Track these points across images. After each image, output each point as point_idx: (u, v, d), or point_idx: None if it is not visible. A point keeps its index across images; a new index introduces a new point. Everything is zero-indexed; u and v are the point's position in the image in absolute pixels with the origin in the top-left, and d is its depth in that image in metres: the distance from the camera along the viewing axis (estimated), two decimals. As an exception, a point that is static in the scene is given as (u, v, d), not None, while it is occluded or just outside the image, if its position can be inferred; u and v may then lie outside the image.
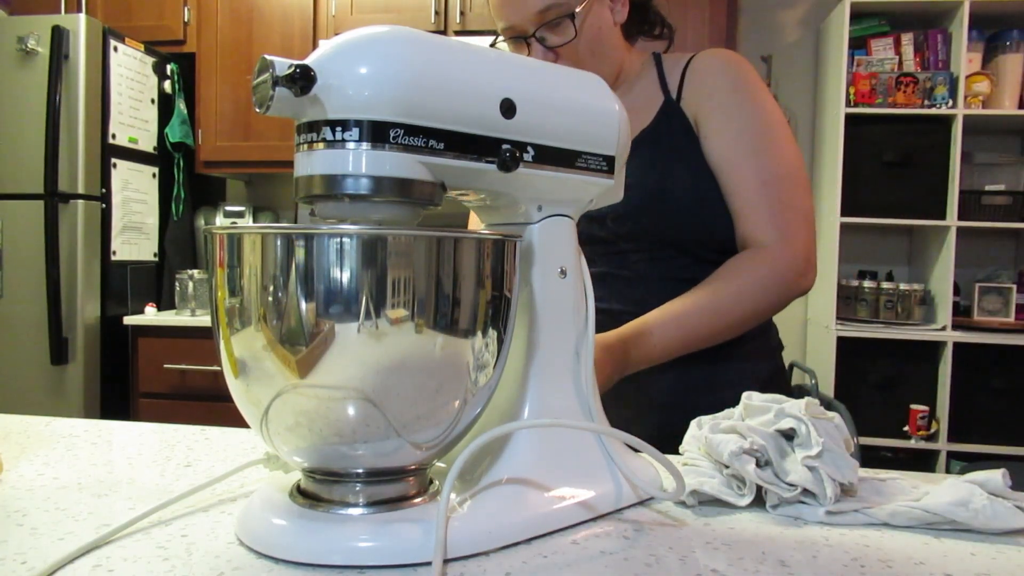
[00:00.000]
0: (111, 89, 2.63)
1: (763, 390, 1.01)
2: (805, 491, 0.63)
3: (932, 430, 2.67)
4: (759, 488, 0.64)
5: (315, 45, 2.86)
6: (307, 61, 0.51)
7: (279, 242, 0.49)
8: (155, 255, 2.91)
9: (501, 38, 1.05)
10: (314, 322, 0.48)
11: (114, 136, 2.66)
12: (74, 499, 0.64)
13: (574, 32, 0.99)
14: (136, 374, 2.72)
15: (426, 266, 0.50)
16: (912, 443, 2.68)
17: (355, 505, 0.55)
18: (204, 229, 0.54)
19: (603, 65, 1.05)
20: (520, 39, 1.01)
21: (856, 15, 2.72)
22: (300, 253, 0.48)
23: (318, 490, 0.56)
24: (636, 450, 0.62)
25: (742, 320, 0.96)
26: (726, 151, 1.01)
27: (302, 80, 0.50)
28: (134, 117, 2.77)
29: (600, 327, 1.01)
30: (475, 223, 1.17)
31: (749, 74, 1.05)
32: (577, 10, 0.99)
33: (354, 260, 0.48)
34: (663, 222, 1.02)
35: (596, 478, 0.63)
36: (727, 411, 0.74)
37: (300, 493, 0.57)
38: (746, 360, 1.05)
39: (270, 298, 0.49)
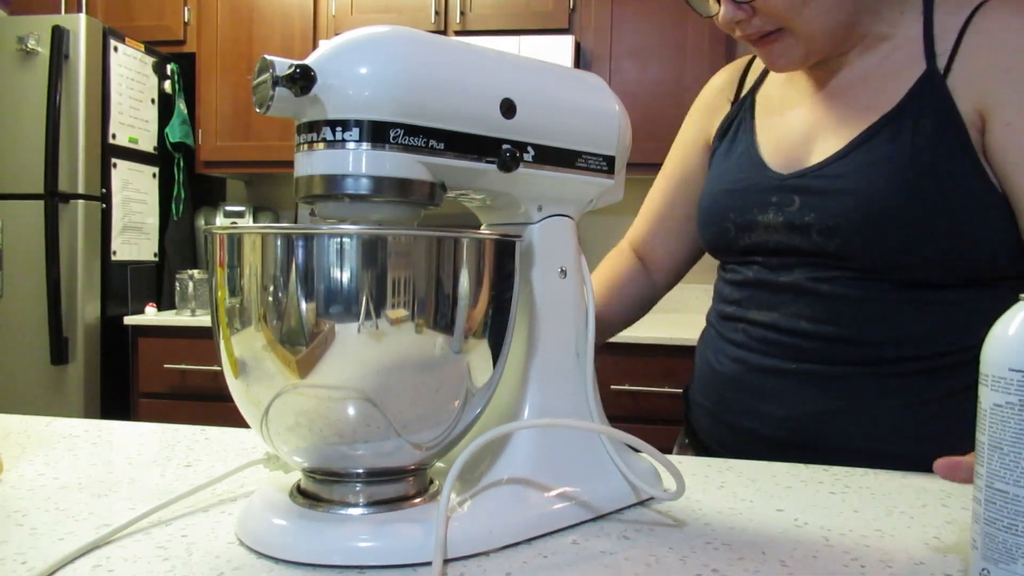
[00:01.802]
0: (111, 89, 2.63)
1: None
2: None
3: (932, 430, 2.67)
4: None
5: (315, 45, 2.87)
6: (307, 61, 0.51)
7: (279, 242, 0.49)
8: (155, 255, 2.91)
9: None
10: (314, 322, 0.48)
11: (114, 136, 2.66)
12: (74, 499, 0.64)
13: None
14: (136, 374, 2.72)
15: (426, 266, 0.50)
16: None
17: (355, 505, 0.55)
18: (204, 229, 0.54)
19: (822, 19, 0.79)
20: None
21: (856, 15, 2.72)
22: (300, 253, 0.48)
23: (318, 490, 0.56)
24: (636, 450, 0.62)
25: None
26: None
27: (302, 80, 0.50)
28: (134, 117, 2.77)
29: (779, 346, 0.82)
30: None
31: None
32: None
33: (354, 260, 0.48)
34: (884, 245, 0.78)
35: (596, 478, 0.63)
36: None
37: (300, 493, 0.57)
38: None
39: (270, 298, 0.49)
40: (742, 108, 0.98)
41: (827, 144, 0.84)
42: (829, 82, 0.89)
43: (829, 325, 0.81)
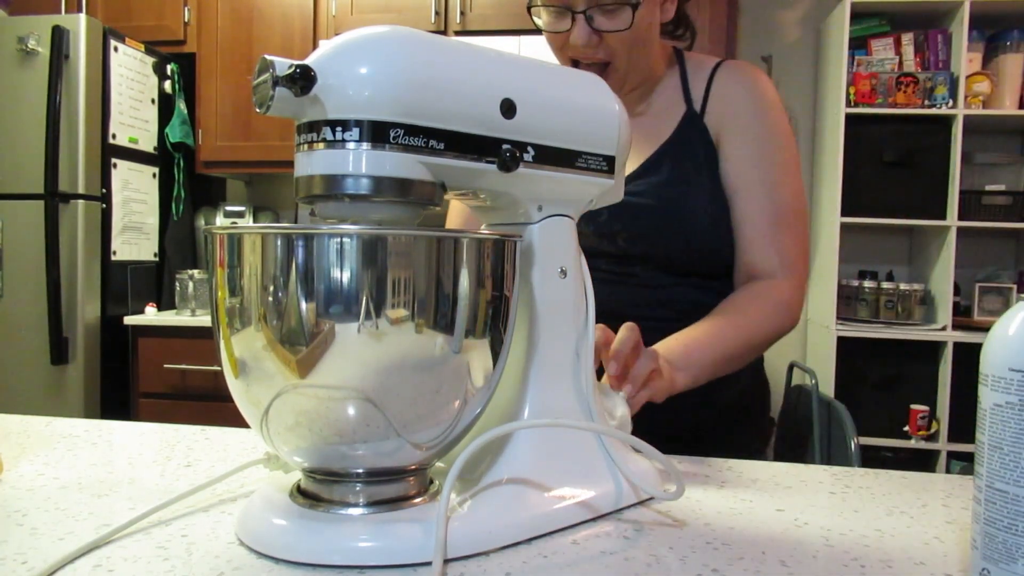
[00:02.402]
0: (111, 89, 2.63)
1: (741, 397, 1.06)
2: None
3: (932, 430, 2.67)
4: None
5: (315, 45, 2.86)
6: (307, 61, 0.51)
7: (279, 242, 0.49)
8: (155, 255, 2.91)
9: (537, 7, 0.97)
10: (314, 322, 0.48)
11: (114, 136, 2.66)
12: (74, 499, 0.64)
13: (631, 22, 0.94)
14: (136, 374, 2.72)
15: (426, 266, 0.50)
16: (912, 443, 2.68)
17: (355, 505, 0.55)
18: (204, 229, 0.54)
19: (641, 60, 1.00)
20: (565, 11, 0.94)
21: (856, 15, 2.72)
22: (300, 253, 0.48)
23: (318, 490, 0.56)
24: (636, 450, 0.62)
25: (758, 347, 0.96)
26: (743, 177, 1.00)
27: (302, 80, 0.50)
28: (134, 117, 2.77)
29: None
30: (453, 222, 1.15)
31: (772, 97, 1.03)
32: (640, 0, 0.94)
33: (354, 260, 0.48)
34: (677, 245, 1.00)
35: (596, 478, 0.63)
36: None
37: (300, 493, 0.57)
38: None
39: (270, 298, 0.49)
40: None
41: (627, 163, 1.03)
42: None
43: (630, 307, 0.97)
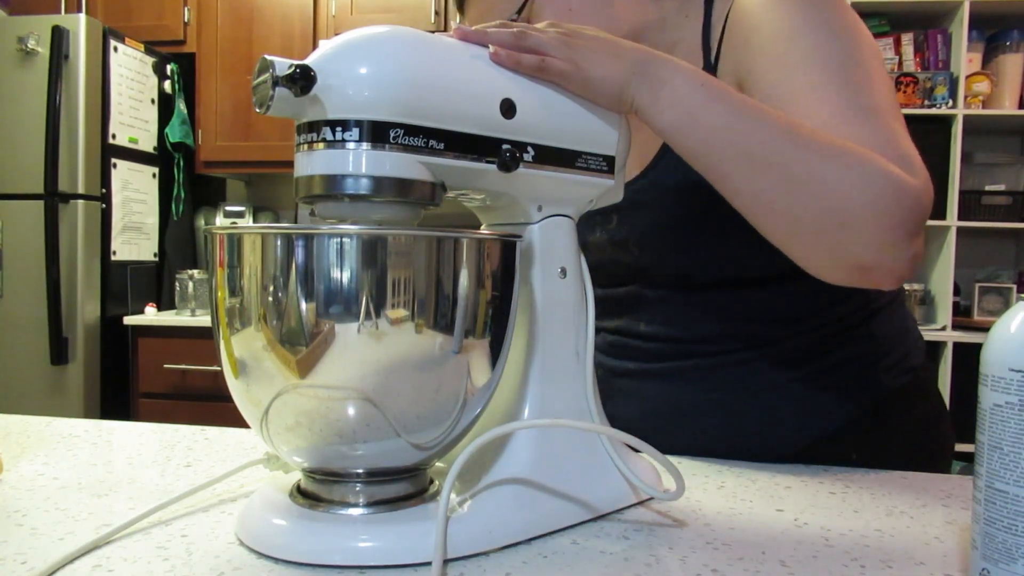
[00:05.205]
0: (111, 89, 2.63)
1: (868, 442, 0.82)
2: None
3: (932, 430, 2.67)
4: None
5: (315, 45, 2.86)
6: (307, 61, 0.51)
7: (279, 242, 0.49)
8: (155, 255, 2.91)
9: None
10: (314, 322, 0.48)
11: (114, 136, 2.66)
12: (74, 499, 0.64)
13: None
14: (136, 374, 2.72)
15: (426, 266, 0.50)
16: (912, 443, 2.68)
17: (355, 505, 0.55)
18: (204, 229, 0.54)
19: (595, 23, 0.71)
20: None
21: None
22: (300, 253, 0.48)
23: (318, 490, 0.56)
24: (636, 450, 0.62)
25: (813, 177, 0.58)
26: (782, 89, 0.66)
27: (302, 80, 0.50)
28: (134, 117, 2.77)
29: (639, 352, 0.88)
30: None
31: None
32: None
33: (354, 260, 0.48)
34: (686, 255, 0.82)
35: (596, 478, 0.63)
36: None
37: (300, 493, 0.57)
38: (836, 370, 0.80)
39: (270, 298, 0.49)
40: None
41: (632, 162, 0.79)
42: None
43: (661, 326, 0.85)
